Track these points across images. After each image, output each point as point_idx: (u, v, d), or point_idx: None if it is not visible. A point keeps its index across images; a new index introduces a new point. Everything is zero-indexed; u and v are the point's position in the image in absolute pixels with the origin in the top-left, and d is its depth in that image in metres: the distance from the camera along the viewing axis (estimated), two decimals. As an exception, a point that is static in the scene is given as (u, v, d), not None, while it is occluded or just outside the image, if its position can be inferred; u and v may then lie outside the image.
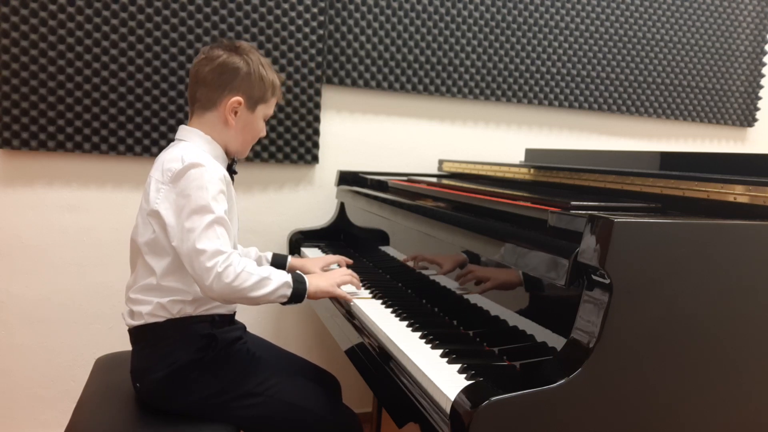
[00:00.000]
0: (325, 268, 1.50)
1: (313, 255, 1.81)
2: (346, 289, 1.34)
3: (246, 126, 1.29)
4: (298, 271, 1.28)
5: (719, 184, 1.08)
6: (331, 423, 1.26)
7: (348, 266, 1.53)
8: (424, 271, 1.40)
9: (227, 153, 1.29)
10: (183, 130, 1.27)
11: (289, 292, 1.20)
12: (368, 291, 1.40)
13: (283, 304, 1.22)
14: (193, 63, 1.27)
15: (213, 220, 1.12)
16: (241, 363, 1.23)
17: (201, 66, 1.25)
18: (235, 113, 1.26)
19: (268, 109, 1.32)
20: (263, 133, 1.35)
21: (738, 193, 1.05)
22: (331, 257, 1.56)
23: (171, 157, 1.18)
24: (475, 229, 1.16)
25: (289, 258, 1.53)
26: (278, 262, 1.51)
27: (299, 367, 1.45)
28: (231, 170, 1.30)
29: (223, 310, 1.24)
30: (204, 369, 1.18)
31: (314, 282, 1.26)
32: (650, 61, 2.43)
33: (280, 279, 1.19)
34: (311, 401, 1.26)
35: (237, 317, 1.32)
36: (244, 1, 1.88)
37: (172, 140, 1.27)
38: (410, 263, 1.46)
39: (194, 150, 1.20)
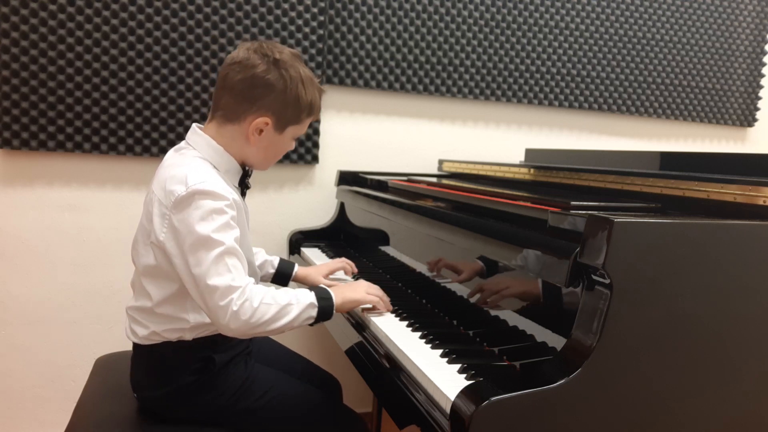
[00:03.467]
0: (330, 275, 1.48)
1: (312, 255, 1.82)
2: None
3: (270, 146, 1.17)
4: (322, 285, 1.20)
5: (719, 184, 1.08)
6: (333, 430, 1.26)
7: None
8: (424, 272, 1.40)
9: (244, 164, 1.19)
10: (195, 134, 1.15)
11: (315, 312, 1.11)
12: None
13: (311, 324, 1.13)
14: (225, 63, 1.13)
15: (222, 252, 1.02)
16: (239, 380, 1.18)
17: (232, 71, 1.10)
18: (260, 132, 1.13)
19: (299, 129, 1.18)
20: (291, 147, 1.23)
21: (738, 193, 1.04)
22: (336, 263, 1.51)
23: (174, 174, 1.06)
24: (475, 229, 1.16)
25: (296, 267, 1.48)
26: (284, 269, 1.46)
27: (301, 370, 1.43)
28: (244, 183, 1.21)
29: None
30: (201, 389, 1.15)
31: (339, 294, 1.18)
32: (650, 61, 2.43)
33: (303, 302, 1.10)
34: (312, 412, 1.24)
35: None
36: (244, 1, 1.88)
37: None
38: (425, 269, 1.43)
39: (201, 167, 1.09)
